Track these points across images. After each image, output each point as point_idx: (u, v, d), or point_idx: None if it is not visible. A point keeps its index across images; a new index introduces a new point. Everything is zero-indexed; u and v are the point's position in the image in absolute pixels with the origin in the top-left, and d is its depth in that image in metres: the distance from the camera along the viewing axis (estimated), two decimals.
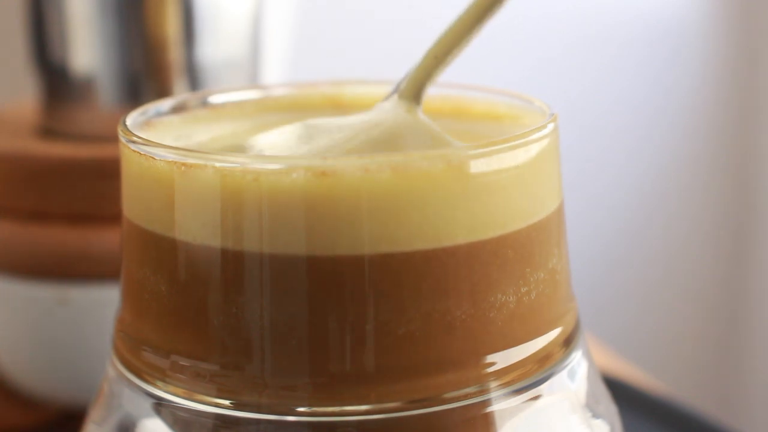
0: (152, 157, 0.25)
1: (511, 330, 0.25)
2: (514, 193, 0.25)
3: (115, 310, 0.28)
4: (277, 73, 0.69)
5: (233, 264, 0.23)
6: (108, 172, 0.37)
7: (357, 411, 0.23)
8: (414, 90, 0.27)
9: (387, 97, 0.27)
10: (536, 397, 0.25)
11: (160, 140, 0.25)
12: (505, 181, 0.24)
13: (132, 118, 0.28)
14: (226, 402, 0.24)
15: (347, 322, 0.23)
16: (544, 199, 0.26)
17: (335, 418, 0.23)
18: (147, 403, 0.25)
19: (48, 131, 0.43)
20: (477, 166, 0.24)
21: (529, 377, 0.25)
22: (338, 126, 0.26)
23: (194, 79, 0.42)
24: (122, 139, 0.26)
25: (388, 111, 0.26)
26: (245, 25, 0.43)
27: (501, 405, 0.24)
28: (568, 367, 0.26)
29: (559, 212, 0.27)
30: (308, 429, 0.23)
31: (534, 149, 0.25)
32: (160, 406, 0.25)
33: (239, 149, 0.27)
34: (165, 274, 0.25)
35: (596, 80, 0.93)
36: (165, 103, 0.30)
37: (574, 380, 0.27)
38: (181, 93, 0.41)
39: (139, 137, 0.25)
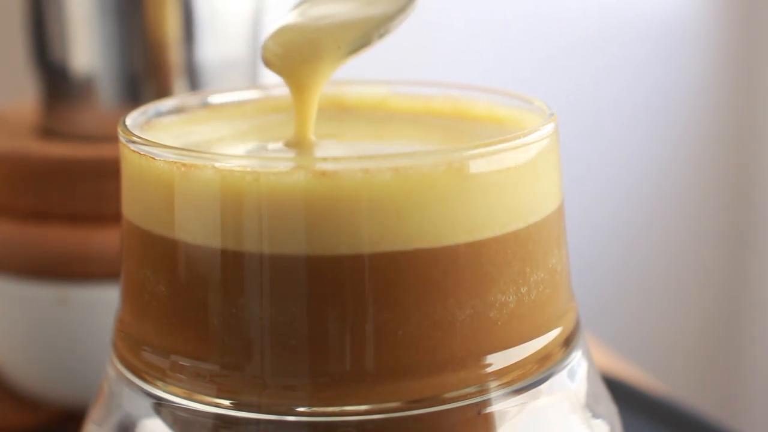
0: (152, 157, 0.25)
1: (511, 330, 0.25)
2: (514, 193, 0.25)
3: (115, 310, 0.28)
4: None
5: (233, 264, 0.23)
6: (108, 172, 0.37)
7: (357, 411, 0.23)
8: None
9: None
10: (536, 397, 0.25)
11: (160, 140, 0.25)
12: (505, 181, 0.24)
13: (132, 118, 0.28)
14: (226, 402, 0.24)
15: (347, 322, 0.23)
16: (544, 199, 0.26)
17: (335, 418, 0.23)
18: (147, 403, 0.25)
19: (48, 131, 0.43)
20: (477, 167, 0.24)
21: (529, 377, 0.25)
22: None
23: (194, 79, 0.42)
24: (122, 139, 0.26)
25: None
26: (245, 25, 0.43)
27: (501, 405, 0.24)
28: (568, 367, 0.26)
29: (559, 212, 0.27)
30: (308, 429, 0.23)
31: (534, 149, 0.25)
32: (160, 406, 0.25)
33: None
34: (165, 274, 0.25)
35: (596, 80, 0.93)
36: (165, 103, 0.30)
37: (574, 380, 0.27)
38: (181, 93, 0.41)
39: (139, 137, 0.25)
